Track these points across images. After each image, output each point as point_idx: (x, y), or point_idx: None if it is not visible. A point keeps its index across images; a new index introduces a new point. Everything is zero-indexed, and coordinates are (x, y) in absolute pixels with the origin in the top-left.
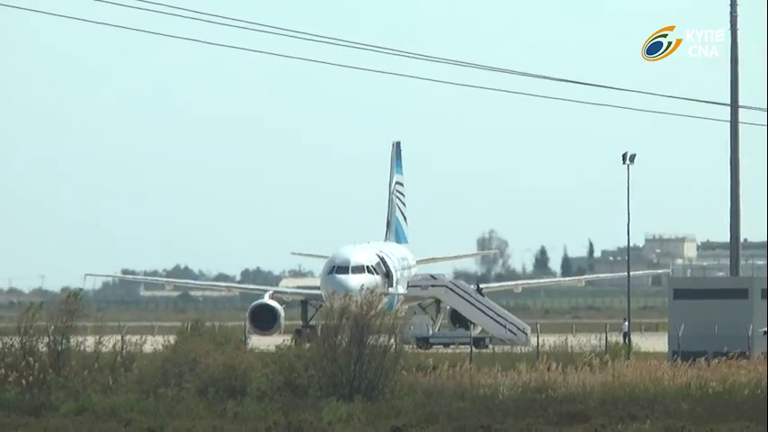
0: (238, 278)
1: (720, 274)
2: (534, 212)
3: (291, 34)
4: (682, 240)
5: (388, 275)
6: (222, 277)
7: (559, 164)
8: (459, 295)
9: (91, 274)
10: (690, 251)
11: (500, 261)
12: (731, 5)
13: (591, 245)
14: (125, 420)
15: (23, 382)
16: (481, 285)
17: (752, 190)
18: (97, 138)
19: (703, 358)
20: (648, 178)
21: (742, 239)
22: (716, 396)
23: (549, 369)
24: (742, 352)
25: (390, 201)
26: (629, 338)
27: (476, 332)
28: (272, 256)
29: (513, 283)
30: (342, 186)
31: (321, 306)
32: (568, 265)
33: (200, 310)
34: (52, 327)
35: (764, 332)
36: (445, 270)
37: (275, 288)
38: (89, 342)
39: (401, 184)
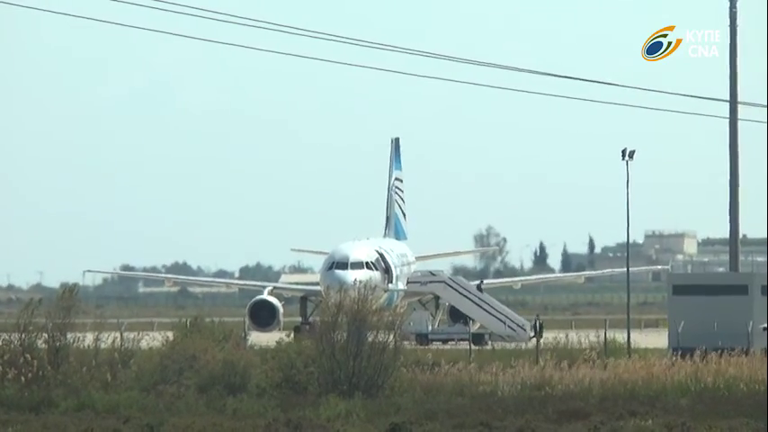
0: (237, 274)
1: (720, 270)
2: (533, 209)
3: (290, 31)
4: (681, 236)
5: (387, 272)
6: (221, 273)
7: (559, 160)
8: (458, 291)
9: (90, 271)
10: (690, 247)
11: (499, 257)
12: (730, 1)
13: (591, 241)
14: (124, 417)
15: (22, 378)
16: (479, 282)
17: (751, 186)
18: (96, 133)
19: (699, 353)
20: (648, 174)
21: (741, 235)
22: (715, 392)
23: (546, 366)
24: (743, 349)
25: (389, 197)
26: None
27: (474, 328)
28: (272, 252)
29: (513, 279)
30: (341, 182)
31: (321, 302)
32: (568, 262)
33: (200, 306)
34: (51, 323)
35: (764, 328)
36: (444, 266)
37: (275, 284)
38: (88, 338)
39: (400, 181)
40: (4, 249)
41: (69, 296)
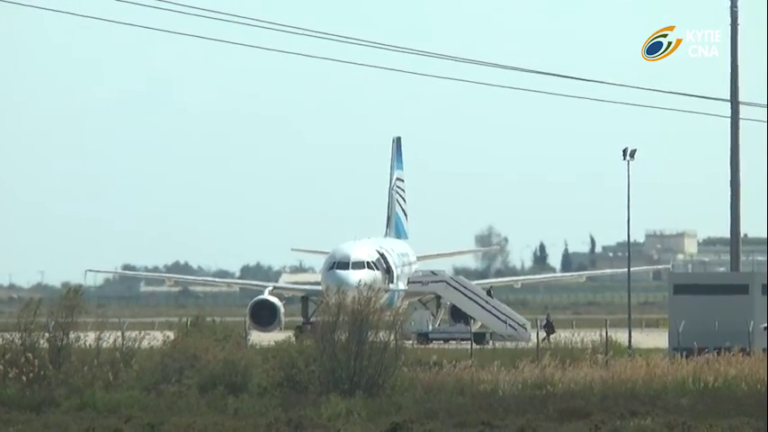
0: (238, 274)
1: (721, 269)
2: (534, 208)
3: (291, 30)
4: (682, 236)
5: (388, 271)
6: (222, 273)
7: (560, 160)
8: (459, 291)
9: (92, 270)
10: (690, 247)
11: (499, 257)
12: (731, 1)
13: (592, 240)
14: (126, 416)
15: (24, 378)
16: (480, 281)
17: (752, 186)
18: (97, 133)
19: (697, 353)
20: (649, 174)
21: (742, 235)
22: (715, 392)
23: (548, 365)
24: (742, 348)
25: (390, 196)
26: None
27: (475, 327)
28: (273, 252)
29: (514, 278)
30: (342, 182)
31: (322, 302)
32: (569, 261)
33: (201, 305)
34: (52, 323)
35: (765, 328)
36: (445, 266)
37: (275, 284)
38: (90, 338)
39: (401, 180)
40: (5, 249)
41: (74, 296)
